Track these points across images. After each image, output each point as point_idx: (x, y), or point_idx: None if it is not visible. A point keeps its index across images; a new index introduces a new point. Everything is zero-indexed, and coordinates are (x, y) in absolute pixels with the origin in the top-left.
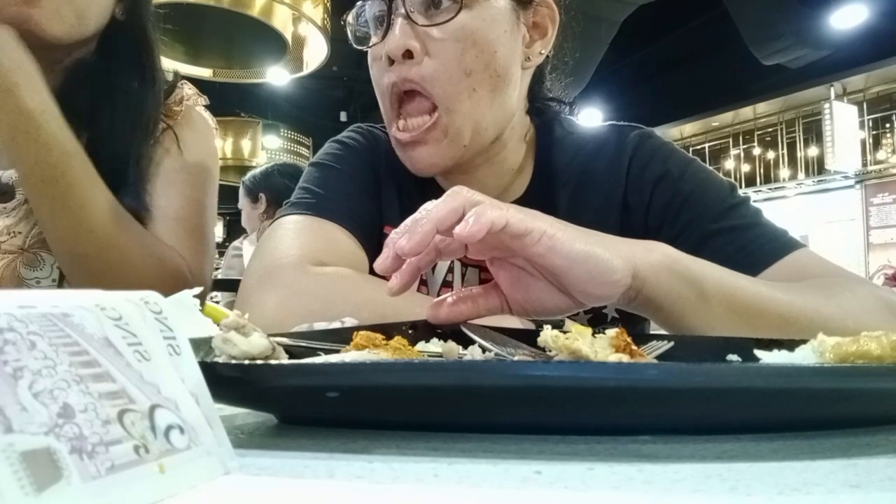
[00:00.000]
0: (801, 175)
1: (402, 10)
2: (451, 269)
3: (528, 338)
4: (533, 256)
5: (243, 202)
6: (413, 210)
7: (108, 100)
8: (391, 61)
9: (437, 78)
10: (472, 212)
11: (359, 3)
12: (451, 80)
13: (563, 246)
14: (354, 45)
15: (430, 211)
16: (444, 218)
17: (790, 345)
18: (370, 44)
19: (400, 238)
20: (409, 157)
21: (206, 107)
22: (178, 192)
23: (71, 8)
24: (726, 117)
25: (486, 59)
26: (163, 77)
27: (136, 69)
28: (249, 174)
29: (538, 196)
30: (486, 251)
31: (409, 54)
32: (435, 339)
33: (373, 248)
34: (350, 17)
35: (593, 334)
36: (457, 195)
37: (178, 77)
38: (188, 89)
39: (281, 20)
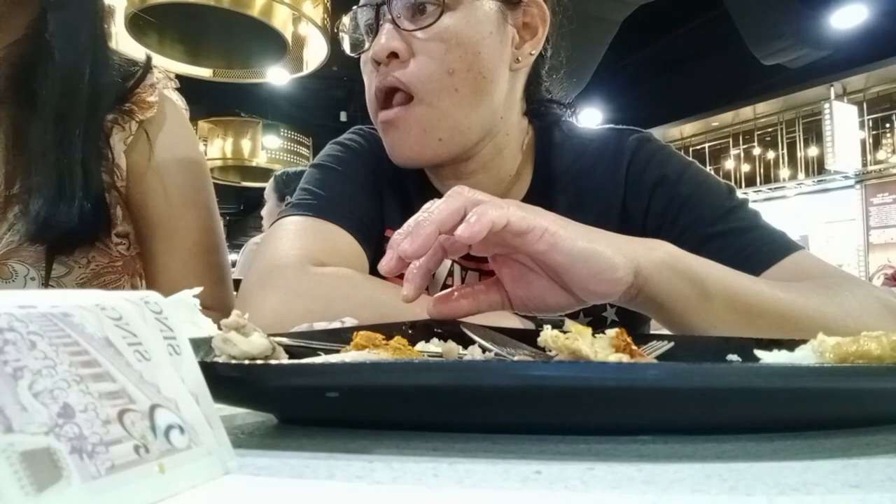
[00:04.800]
0: (801, 175)
1: (389, 17)
2: (450, 273)
3: (528, 338)
4: (535, 253)
5: (270, 196)
6: (414, 212)
7: (47, 77)
8: (378, 65)
9: (420, 76)
10: (472, 212)
11: (352, 10)
12: (432, 77)
13: (565, 243)
14: (348, 52)
15: (432, 212)
16: (446, 219)
17: (790, 345)
18: (361, 50)
19: (403, 240)
20: (388, 142)
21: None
22: (194, 216)
23: None
24: (726, 117)
25: (469, 60)
26: (114, 59)
27: (81, 42)
28: (283, 171)
29: (537, 201)
30: (490, 248)
31: (394, 55)
32: (435, 339)
33: (373, 249)
34: (344, 24)
35: (593, 334)
36: (458, 195)
37: (150, 61)
38: (158, 73)
39: (281, 20)
